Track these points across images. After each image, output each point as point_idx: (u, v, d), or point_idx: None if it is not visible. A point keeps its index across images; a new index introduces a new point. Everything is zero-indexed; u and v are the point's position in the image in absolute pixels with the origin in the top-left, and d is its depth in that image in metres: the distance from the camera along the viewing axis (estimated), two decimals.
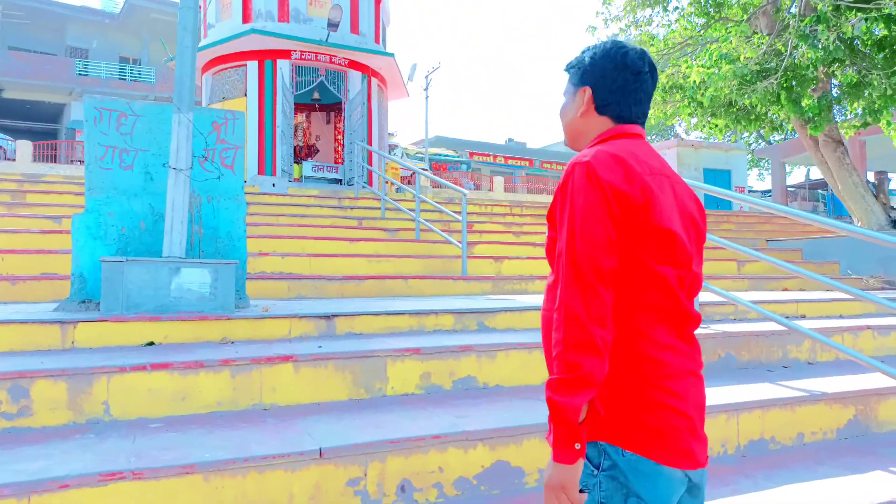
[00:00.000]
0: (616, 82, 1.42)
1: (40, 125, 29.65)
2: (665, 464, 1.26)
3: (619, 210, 1.27)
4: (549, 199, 24.26)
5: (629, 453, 1.26)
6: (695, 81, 10.48)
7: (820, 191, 30.49)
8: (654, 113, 13.13)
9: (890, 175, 12.02)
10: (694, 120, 12.95)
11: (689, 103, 11.40)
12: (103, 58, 29.73)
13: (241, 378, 3.11)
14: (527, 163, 37.49)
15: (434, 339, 3.81)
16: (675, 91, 11.72)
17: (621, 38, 13.65)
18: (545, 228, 11.33)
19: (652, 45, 13.64)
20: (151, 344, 3.56)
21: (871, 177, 12.22)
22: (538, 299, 5.41)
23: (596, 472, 1.28)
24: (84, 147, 4.38)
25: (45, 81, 27.04)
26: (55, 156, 23.36)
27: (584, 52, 1.48)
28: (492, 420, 2.91)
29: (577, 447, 1.21)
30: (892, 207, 11.22)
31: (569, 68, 1.50)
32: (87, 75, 27.88)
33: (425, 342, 3.67)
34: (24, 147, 17.10)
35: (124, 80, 28.87)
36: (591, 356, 1.20)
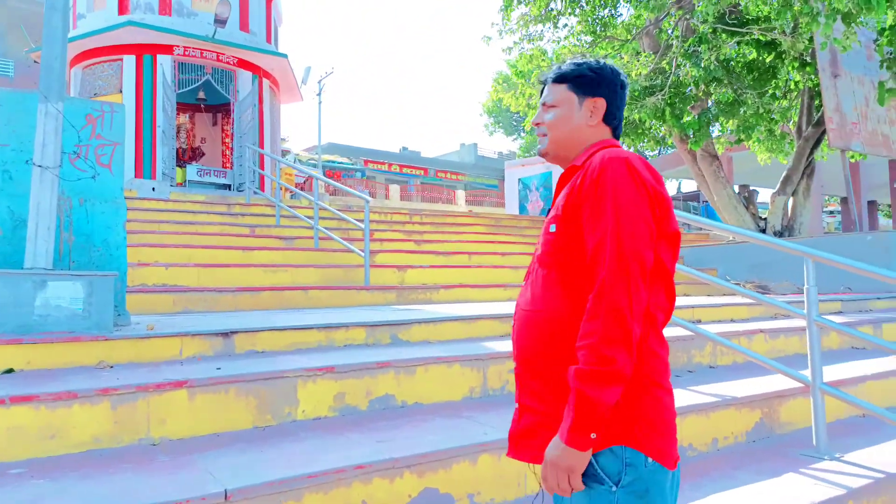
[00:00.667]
0: (621, 98, 1.52)
1: None
2: (672, 468, 1.28)
3: (658, 208, 1.28)
4: (446, 207, 24.35)
5: (651, 461, 1.24)
6: None
7: (693, 203, 32.84)
8: None
9: (754, 188, 13.08)
10: None
11: None
12: None
13: (123, 409, 2.67)
14: (422, 171, 37.60)
15: (347, 356, 3.52)
16: None
17: (515, 51, 13.90)
18: (446, 237, 11.11)
19: (543, 59, 13.96)
20: (11, 371, 3.01)
21: (737, 189, 13.29)
22: (448, 309, 5.24)
23: (615, 488, 1.23)
24: None
25: None
26: None
27: (580, 65, 1.49)
28: (417, 443, 2.68)
29: (592, 437, 1.19)
30: (761, 217, 12.21)
31: (570, 77, 1.49)
32: None
33: (338, 359, 3.37)
34: None
35: None
36: (625, 352, 1.19)
